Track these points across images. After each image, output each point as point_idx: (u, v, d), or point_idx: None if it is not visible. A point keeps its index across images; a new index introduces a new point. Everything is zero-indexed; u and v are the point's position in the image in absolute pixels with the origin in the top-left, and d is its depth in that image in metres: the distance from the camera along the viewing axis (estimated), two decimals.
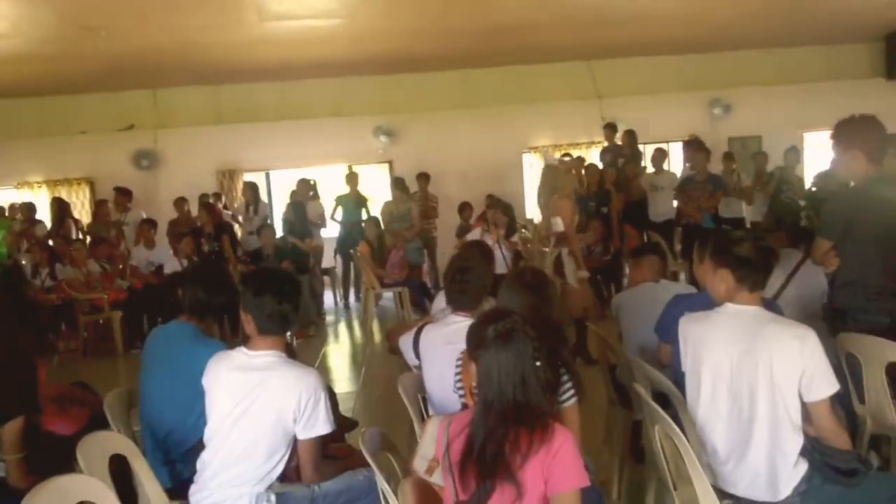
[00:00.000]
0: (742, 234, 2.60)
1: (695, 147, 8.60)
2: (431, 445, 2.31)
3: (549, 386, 2.09)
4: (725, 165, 9.23)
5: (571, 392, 2.44)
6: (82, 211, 10.64)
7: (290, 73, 10.19)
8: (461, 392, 2.67)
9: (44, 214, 10.17)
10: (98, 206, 9.78)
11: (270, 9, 7.02)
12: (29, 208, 9.80)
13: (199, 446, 2.77)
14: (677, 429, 2.35)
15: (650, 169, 9.39)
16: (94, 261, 8.12)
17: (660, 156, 9.16)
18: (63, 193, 10.65)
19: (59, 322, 7.85)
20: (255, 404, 2.57)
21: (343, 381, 6.31)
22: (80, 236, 9.56)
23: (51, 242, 9.06)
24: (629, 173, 9.18)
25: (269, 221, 9.65)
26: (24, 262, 8.31)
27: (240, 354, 2.68)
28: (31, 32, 7.31)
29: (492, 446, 1.95)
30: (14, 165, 10.65)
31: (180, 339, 3.14)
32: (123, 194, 9.87)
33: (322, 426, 2.57)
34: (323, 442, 2.71)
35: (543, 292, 2.68)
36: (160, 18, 7.08)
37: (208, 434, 2.67)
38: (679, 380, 2.76)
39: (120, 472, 2.73)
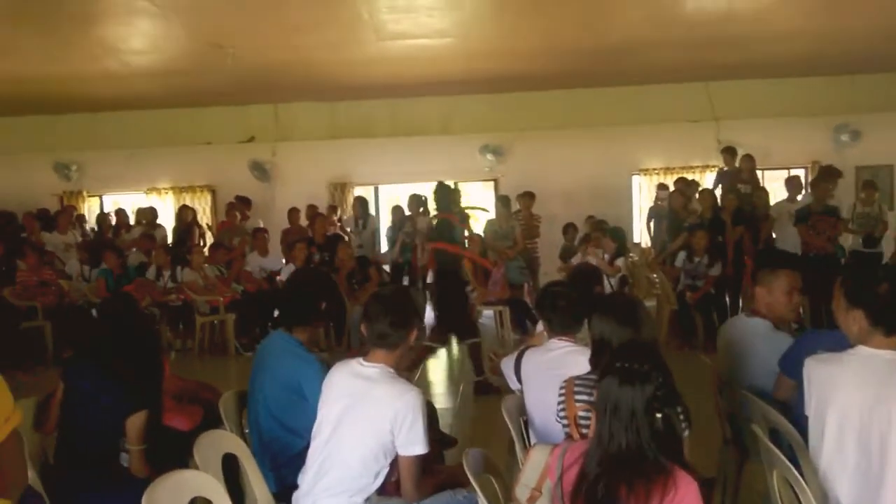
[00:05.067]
0: (882, 271, 2.41)
1: (823, 174, 8.12)
2: (534, 474, 2.27)
3: (667, 441, 1.97)
4: (867, 195, 8.43)
5: (683, 425, 2.35)
6: (203, 217, 11.26)
7: (401, 91, 10.43)
8: (565, 421, 2.62)
9: (169, 219, 10.85)
10: (227, 213, 10.34)
11: (388, 28, 7.21)
12: (151, 213, 10.48)
13: (305, 453, 2.86)
14: (798, 475, 2.21)
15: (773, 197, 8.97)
16: (212, 265, 8.56)
17: (795, 183, 8.71)
18: (187, 199, 11.35)
19: (179, 322, 8.31)
20: (355, 411, 2.64)
21: (441, 397, 6.33)
22: (202, 242, 10.11)
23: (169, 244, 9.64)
24: (757, 201, 8.76)
25: (376, 236, 9.90)
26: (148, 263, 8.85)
27: (355, 363, 2.78)
28: (166, 49, 7.83)
29: (605, 489, 1.90)
30: (144, 172, 11.44)
31: (279, 350, 3.28)
32: (244, 203, 10.40)
33: (419, 446, 2.60)
34: (424, 460, 2.73)
35: (639, 323, 2.60)
36: (284, 37, 7.42)
37: (313, 435, 2.76)
38: (800, 423, 2.60)
39: (228, 471, 2.85)
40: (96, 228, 10.48)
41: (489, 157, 11.19)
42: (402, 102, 10.91)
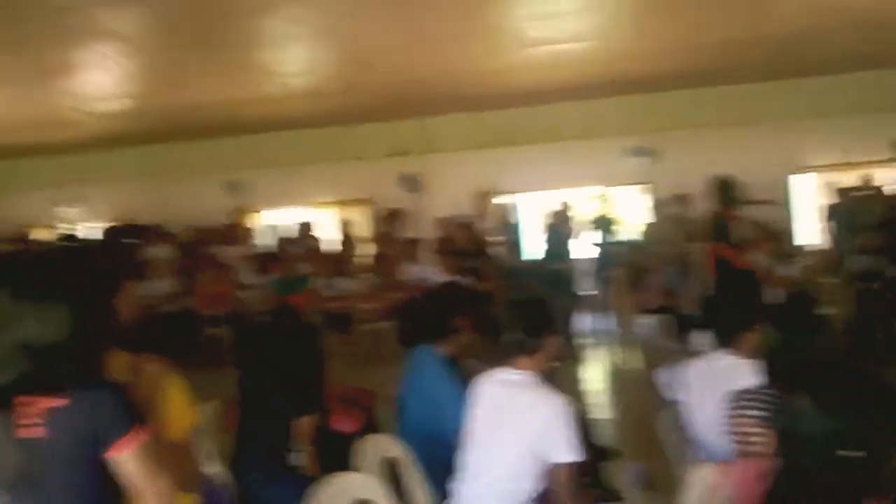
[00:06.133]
0: None
1: None
2: (699, 493, 2.17)
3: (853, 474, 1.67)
4: None
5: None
6: (360, 228, 11.77)
7: (543, 97, 10.34)
8: (733, 437, 2.48)
9: (327, 231, 11.45)
10: (381, 225, 10.79)
11: (528, 35, 7.21)
12: (308, 226, 11.09)
13: (454, 461, 2.91)
14: None
15: None
16: (370, 274, 8.93)
17: None
18: (344, 212, 11.93)
19: (340, 329, 8.71)
20: (501, 418, 2.66)
21: (597, 408, 6.19)
22: (358, 252, 10.58)
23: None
24: None
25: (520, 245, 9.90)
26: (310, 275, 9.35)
27: (501, 371, 2.79)
28: (319, 70, 8.30)
29: None
30: (305, 187, 12.19)
31: (421, 363, 3.44)
32: (397, 214, 10.79)
33: (568, 453, 2.55)
34: (580, 471, 2.68)
35: (816, 333, 2.41)
36: (427, 52, 7.61)
37: (462, 443, 2.80)
38: None
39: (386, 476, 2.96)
40: (267, 242, 11.23)
41: (640, 159, 10.84)
42: (545, 108, 10.81)
